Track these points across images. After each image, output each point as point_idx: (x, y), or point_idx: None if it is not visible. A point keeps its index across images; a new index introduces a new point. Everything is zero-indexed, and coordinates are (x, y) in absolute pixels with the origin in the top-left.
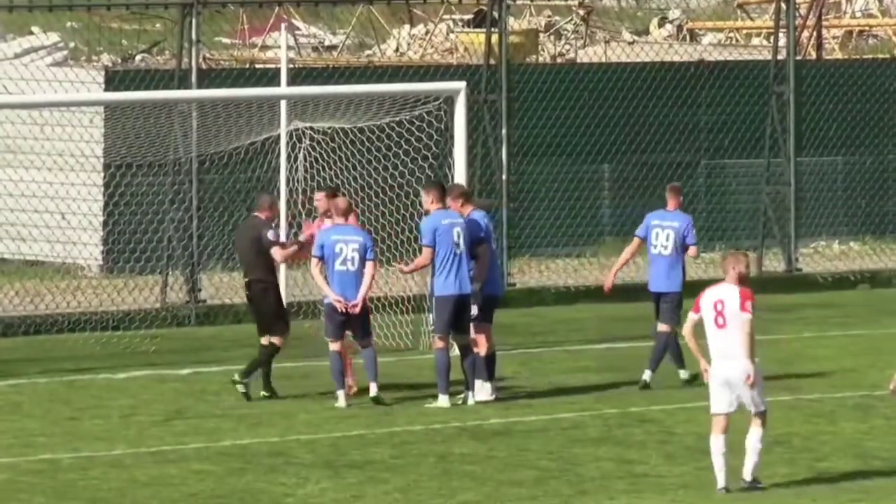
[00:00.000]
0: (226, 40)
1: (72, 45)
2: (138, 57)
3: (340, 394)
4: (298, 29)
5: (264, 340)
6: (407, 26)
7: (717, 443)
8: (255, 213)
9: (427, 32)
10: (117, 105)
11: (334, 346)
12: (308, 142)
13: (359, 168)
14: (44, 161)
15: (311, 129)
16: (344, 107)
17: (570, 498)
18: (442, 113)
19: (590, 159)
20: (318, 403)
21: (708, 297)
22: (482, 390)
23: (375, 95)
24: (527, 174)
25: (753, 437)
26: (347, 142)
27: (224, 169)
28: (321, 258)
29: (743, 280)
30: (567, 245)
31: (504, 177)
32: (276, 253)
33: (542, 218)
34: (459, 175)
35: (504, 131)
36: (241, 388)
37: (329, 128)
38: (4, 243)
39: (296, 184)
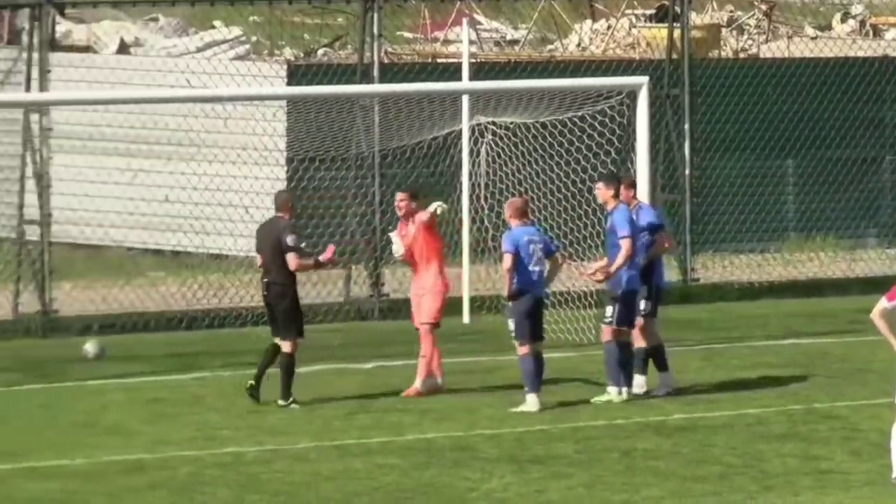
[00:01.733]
0: (407, 35)
1: (254, 39)
2: (320, 51)
3: (531, 397)
4: (480, 24)
5: (279, 341)
6: (589, 21)
7: None
8: (278, 214)
9: (609, 27)
10: (300, 99)
11: (527, 349)
12: (490, 137)
13: (541, 163)
14: (227, 155)
15: (494, 123)
16: (526, 102)
17: (755, 494)
18: (624, 108)
19: (773, 154)
20: (502, 398)
21: None
22: (638, 384)
23: (557, 90)
24: (710, 169)
25: None
26: (529, 137)
27: (406, 163)
28: (517, 254)
29: None
30: (751, 241)
31: (687, 172)
32: (291, 260)
33: (726, 213)
34: (642, 170)
35: (687, 126)
36: (294, 407)
37: (511, 123)
38: (188, 237)
39: (478, 179)
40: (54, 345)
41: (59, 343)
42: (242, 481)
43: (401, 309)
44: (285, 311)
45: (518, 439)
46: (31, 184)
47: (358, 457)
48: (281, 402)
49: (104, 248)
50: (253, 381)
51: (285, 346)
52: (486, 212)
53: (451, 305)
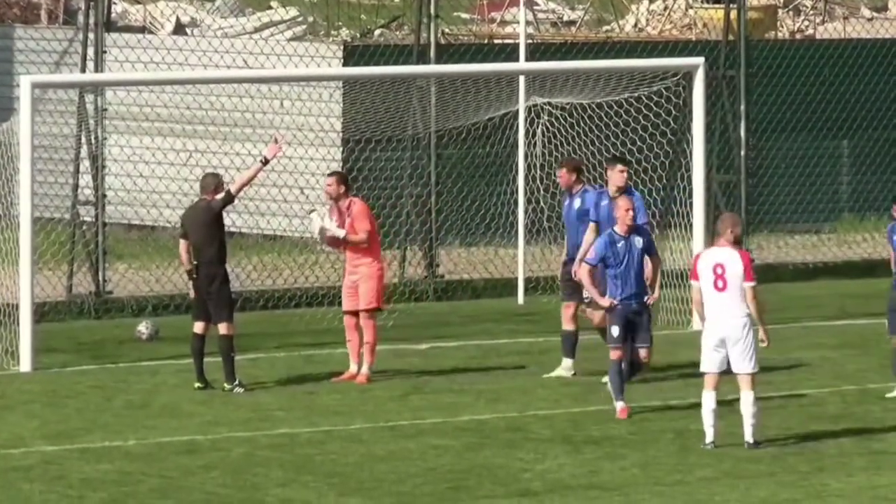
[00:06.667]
0: (464, 15)
1: (310, 19)
2: (377, 32)
3: (619, 405)
4: (537, 4)
5: (197, 328)
6: (646, 1)
7: (707, 399)
8: (203, 197)
9: (666, 8)
10: (356, 80)
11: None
12: (546, 117)
13: (597, 144)
14: (283, 135)
15: (550, 104)
16: (582, 82)
17: (808, 475)
18: (680, 89)
19: (830, 135)
20: (556, 379)
21: (706, 261)
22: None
23: (614, 71)
24: (765, 150)
25: (746, 402)
26: (585, 117)
27: (462, 144)
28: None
29: (738, 242)
30: (806, 221)
31: (742, 153)
32: (235, 191)
33: (781, 194)
34: (697, 151)
35: (742, 107)
36: (237, 390)
37: (567, 103)
38: (243, 218)
39: (534, 159)
40: (108, 326)
41: (113, 324)
42: (296, 462)
43: (455, 290)
44: (216, 293)
45: (572, 420)
46: (85, 164)
47: (412, 438)
48: (227, 386)
49: (158, 229)
50: (200, 384)
51: (222, 329)
52: (542, 192)
53: (506, 286)
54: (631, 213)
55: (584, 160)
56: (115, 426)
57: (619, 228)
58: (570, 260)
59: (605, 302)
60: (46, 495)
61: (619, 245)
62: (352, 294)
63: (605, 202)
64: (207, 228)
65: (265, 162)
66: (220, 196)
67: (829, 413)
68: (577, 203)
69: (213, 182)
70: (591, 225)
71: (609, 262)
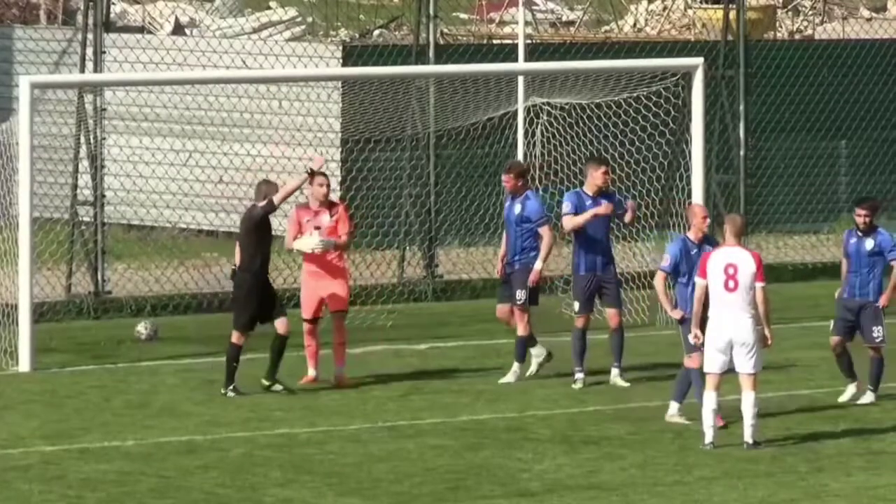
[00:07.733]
0: (463, 16)
1: (309, 20)
2: (376, 32)
3: (674, 405)
4: (536, 4)
5: (235, 338)
6: (645, 2)
7: (708, 399)
8: (254, 203)
9: (665, 8)
10: (355, 80)
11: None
12: (545, 117)
13: (596, 144)
14: (282, 136)
15: (549, 104)
16: (581, 82)
17: (807, 475)
18: (679, 89)
19: (829, 136)
20: (556, 379)
21: (717, 261)
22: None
23: (613, 71)
24: (764, 150)
25: (747, 402)
26: (584, 117)
27: (461, 144)
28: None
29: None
30: (805, 221)
31: (741, 153)
32: (276, 202)
33: (780, 194)
34: (696, 151)
35: (741, 107)
36: (230, 394)
37: (566, 103)
38: None
39: (533, 159)
40: (107, 326)
41: (112, 324)
42: (295, 462)
43: (454, 290)
44: (235, 300)
45: (571, 420)
46: (84, 164)
47: (411, 438)
48: (222, 391)
49: (157, 229)
50: (265, 381)
51: (233, 336)
52: (541, 193)
53: None
54: (708, 220)
55: (582, 160)
56: (114, 426)
57: (694, 235)
58: (510, 262)
59: (677, 314)
60: (45, 495)
61: (693, 253)
62: (317, 302)
63: (588, 203)
64: (245, 235)
65: (311, 174)
66: (261, 204)
67: (828, 413)
68: (517, 208)
69: (264, 190)
70: (546, 227)
71: (680, 270)
